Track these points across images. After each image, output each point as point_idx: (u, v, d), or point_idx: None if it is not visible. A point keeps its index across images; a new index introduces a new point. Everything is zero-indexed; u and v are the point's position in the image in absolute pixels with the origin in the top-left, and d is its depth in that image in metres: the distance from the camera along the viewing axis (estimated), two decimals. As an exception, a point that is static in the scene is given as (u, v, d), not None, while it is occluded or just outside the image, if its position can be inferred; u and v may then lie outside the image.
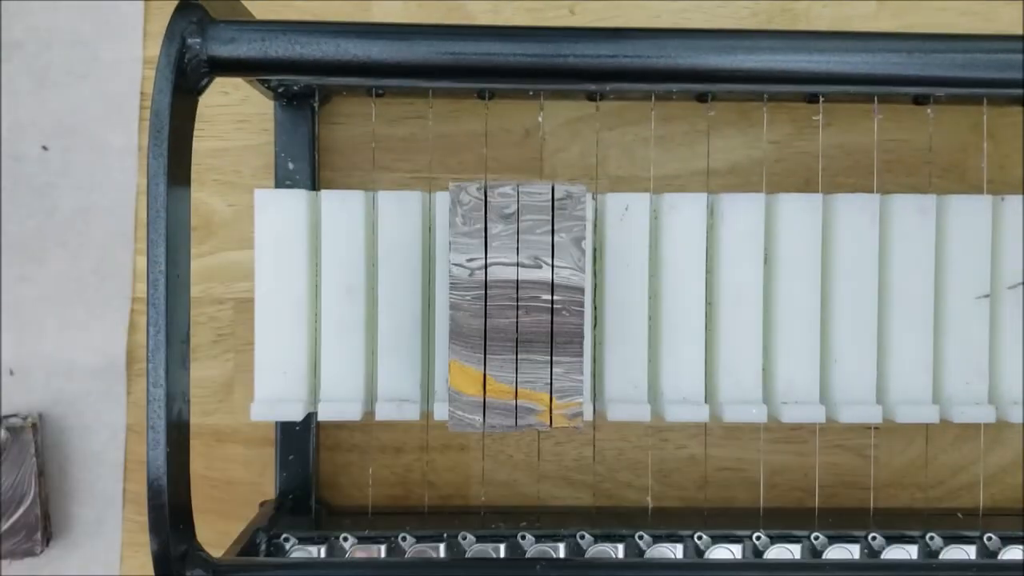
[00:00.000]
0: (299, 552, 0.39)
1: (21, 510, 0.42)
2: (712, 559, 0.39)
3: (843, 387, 0.38)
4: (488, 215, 0.31)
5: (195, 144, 0.34)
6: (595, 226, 0.35)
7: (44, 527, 0.43)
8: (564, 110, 0.45)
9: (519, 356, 0.31)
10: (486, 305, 0.31)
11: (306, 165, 0.43)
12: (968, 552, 0.40)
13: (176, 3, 0.33)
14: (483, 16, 0.45)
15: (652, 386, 0.38)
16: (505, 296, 0.31)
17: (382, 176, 0.45)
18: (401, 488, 0.45)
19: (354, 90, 0.42)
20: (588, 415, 0.35)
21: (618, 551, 0.39)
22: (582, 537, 0.40)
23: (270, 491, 0.44)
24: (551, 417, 0.31)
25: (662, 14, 0.45)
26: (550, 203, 0.31)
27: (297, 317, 0.37)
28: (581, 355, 0.31)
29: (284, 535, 0.39)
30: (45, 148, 0.44)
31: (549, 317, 0.31)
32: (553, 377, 0.31)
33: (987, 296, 0.38)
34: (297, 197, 0.37)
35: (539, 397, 0.31)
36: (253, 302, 0.37)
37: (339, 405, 0.37)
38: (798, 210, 0.38)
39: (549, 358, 0.31)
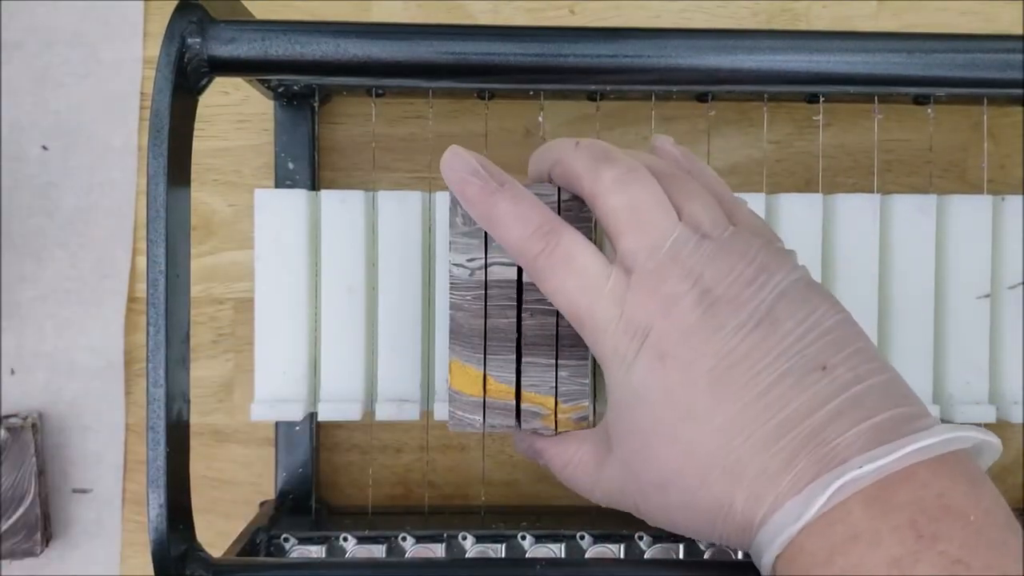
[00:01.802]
0: (299, 552, 0.39)
1: (21, 510, 0.42)
2: (712, 559, 0.39)
3: (843, 387, 0.38)
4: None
5: (195, 144, 0.34)
6: (595, 226, 0.35)
7: (44, 527, 0.43)
8: (564, 110, 0.45)
9: (524, 359, 0.31)
10: (486, 305, 0.31)
11: (306, 165, 0.43)
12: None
13: (176, 3, 0.33)
14: (483, 16, 0.45)
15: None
16: (505, 296, 0.31)
17: (382, 176, 0.45)
18: (401, 488, 0.45)
19: (354, 90, 0.42)
20: (589, 416, 0.34)
21: (617, 551, 0.39)
22: (582, 537, 0.40)
23: (270, 491, 0.44)
24: (556, 421, 0.31)
25: (662, 14, 0.45)
26: (556, 205, 0.31)
27: (297, 317, 0.37)
28: (587, 358, 0.31)
29: (284, 535, 0.39)
30: (45, 148, 0.44)
31: (555, 320, 0.31)
32: (558, 381, 0.31)
33: (987, 296, 0.38)
34: (297, 197, 0.37)
35: (543, 401, 0.31)
36: (253, 302, 0.37)
37: (339, 405, 0.37)
38: (798, 210, 0.38)
39: (555, 361, 0.31)
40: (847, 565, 0.23)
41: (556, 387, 0.31)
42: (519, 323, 0.31)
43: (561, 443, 0.31)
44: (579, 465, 0.31)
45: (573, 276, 0.28)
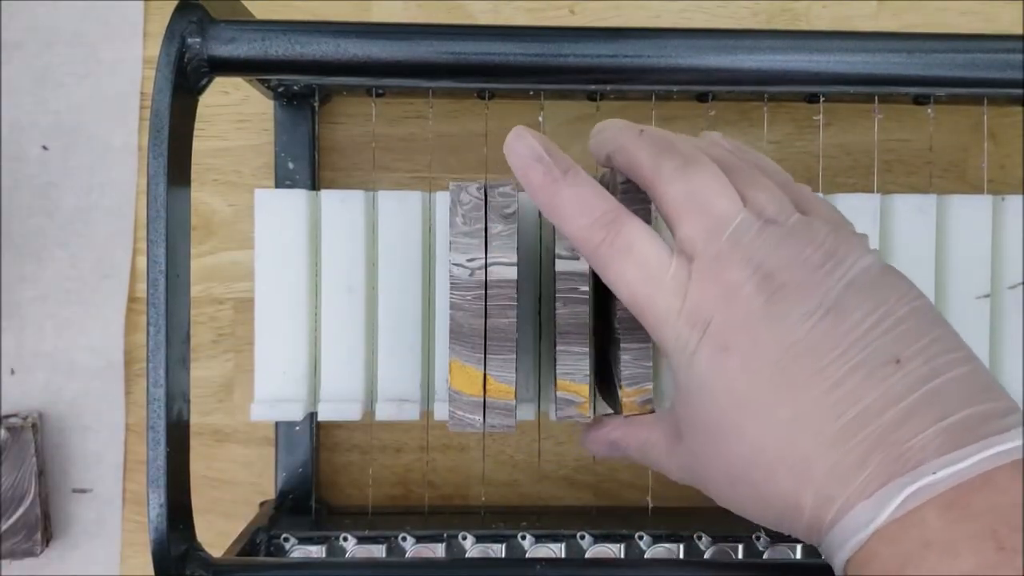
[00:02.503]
0: (299, 552, 0.39)
1: (21, 510, 0.42)
2: (712, 559, 0.39)
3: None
4: (488, 215, 0.31)
5: (195, 144, 0.34)
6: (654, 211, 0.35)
7: (44, 527, 0.43)
8: (564, 110, 0.45)
9: (557, 348, 0.31)
10: (486, 305, 0.31)
11: (306, 165, 0.43)
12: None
13: (176, 3, 0.33)
14: (483, 16, 0.45)
15: (656, 385, 0.38)
16: (505, 296, 0.31)
17: (382, 176, 0.45)
18: (401, 488, 0.45)
19: (354, 90, 0.42)
20: (653, 399, 0.34)
21: (617, 551, 0.39)
22: (582, 537, 0.40)
23: (270, 491, 0.44)
24: (621, 404, 0.31)
25: (662, 14, 0.45)
26: (615, 187, 0.31)
27: (297, 317, 0.37)
28: (648, 341, 0.31)
29: (284, 535, 0.39)
30: (45, 148, 0.44)
31: (587, 308, 0.31)
32: (622, 365, 0.31)
33: (987, 296, 0.38)
34: (297, 197, 0.37)
35: (578, 389, 0.31)
36: (253, 302, 0.37)
37: (339, 405, 0.37)
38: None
39: (588, 349, 0.31)
40: (921, 574, 0.22)
41: (620, 372, 0.31)
42: (543, 320, 0.31)
43: (631, 428, 0.31)
44: (654, 447, 0.30)
45: (633, 265, 0.27)
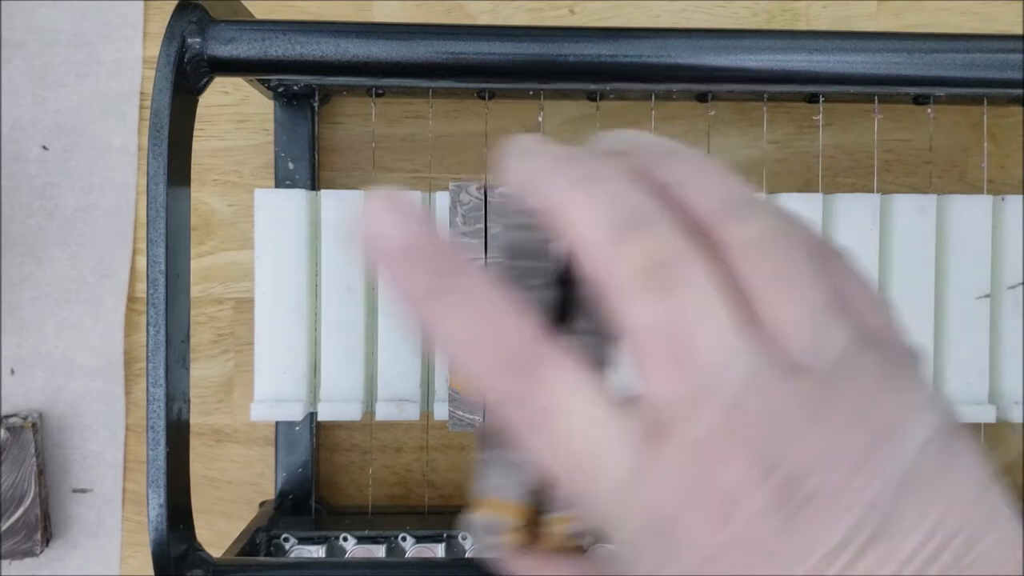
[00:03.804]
0: (299, 552, 0.39)
1: (21, 510, 0.42)
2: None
3: (843, 387, 0.38)
4: (488, 215, 0.31)
5: (195, 144, 0.34)
6: None
7: (44, 527, 0.43)
8: (564, 110, 0.45)
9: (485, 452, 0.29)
10: (486, 305, 0.31)
11: (306, 165, 0.43)
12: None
13: (176, 3, 0.33)
14: (483, 16, 0.45)
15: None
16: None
17: (382, 176, 0.45)
18: (401, 488, 0.45)
19: (354, 90, 0.42)
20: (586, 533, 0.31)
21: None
22: (582, 537, 0.40)
23: (270, 491, 0.44)
24: (537, 534, 0.29)
25: (662, 14, 0.45)
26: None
27: (297, 317, 0.37)
28: None
29: (284, 535, 0.39)
30: (45, 148, 0.44)
31: None
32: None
33: (987, 296, 0.38)
34: (297, 197, 0.37)
35: (507, 507, 0.28)
36: (253, 302, 0.37)
37: (339, 405, 0.37)
38: (798, 210, 0.38)
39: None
40: None
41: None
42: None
43: (542, 568, 0.20)
44: None
45: (557, 443, 0.17)
